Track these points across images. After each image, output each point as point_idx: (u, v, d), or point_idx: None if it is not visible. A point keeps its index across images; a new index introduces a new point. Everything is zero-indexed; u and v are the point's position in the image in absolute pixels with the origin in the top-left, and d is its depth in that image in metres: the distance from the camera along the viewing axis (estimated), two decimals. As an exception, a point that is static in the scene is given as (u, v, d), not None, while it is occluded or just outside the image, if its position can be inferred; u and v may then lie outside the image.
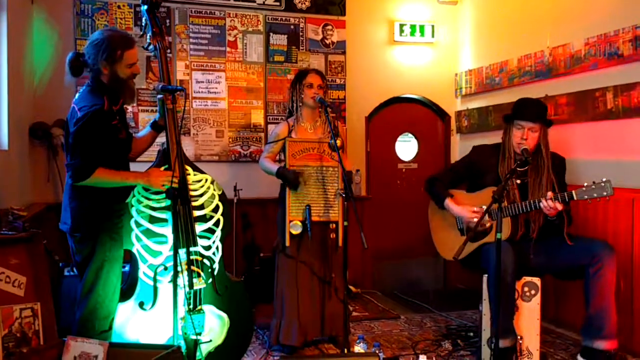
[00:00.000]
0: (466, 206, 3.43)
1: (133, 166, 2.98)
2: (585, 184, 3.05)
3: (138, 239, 2.82)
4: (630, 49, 3.54)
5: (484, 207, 3.31)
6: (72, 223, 2.70)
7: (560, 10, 4.21)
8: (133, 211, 2.82)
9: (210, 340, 2.90)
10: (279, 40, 5.01)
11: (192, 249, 2.84)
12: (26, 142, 4.17)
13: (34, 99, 4.32)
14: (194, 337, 2.75)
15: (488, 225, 3.37)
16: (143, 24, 3.00)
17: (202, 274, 2.88)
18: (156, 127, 3.04)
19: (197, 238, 2.90)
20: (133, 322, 2.82)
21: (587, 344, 3.11)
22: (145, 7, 2.95)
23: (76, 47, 4.44)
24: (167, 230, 2.83)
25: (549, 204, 3.10)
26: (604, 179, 3.00)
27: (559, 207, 3.10)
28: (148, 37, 2.97)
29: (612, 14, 3.72)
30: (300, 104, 3.67)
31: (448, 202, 3.49)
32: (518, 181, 3.35)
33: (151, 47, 2.98)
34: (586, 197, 3.04)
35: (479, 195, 3.45)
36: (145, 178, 2.80)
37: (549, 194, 3.15)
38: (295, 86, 3.70)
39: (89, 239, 2.70)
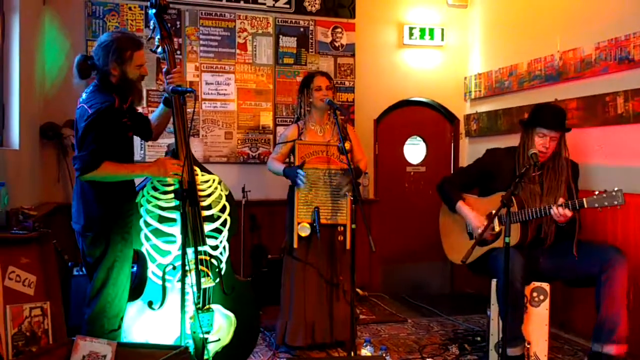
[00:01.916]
0: (478, 214, 3.41)
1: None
2: (597, 192, 3.03)
3: (147, 238, 2.84)
4: (641, 54, 3.52)
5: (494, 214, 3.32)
6: (85, 222, 2.71)
7: (570, 14, 4.19)
8: (142, 211, 2.84)
9: (219, 339, 2.91)
10: (289, 43, 5.03)
11: (200, 248, 2.85)
12: (37, 143, 4.20)
13: (45, 100, 4.35)
14: (202, 336, 2.76)
15: (497, 230, 3.35)
16: (151, 27, 3.02)
17: (209, 273, 2.89)
18: (167, 103, 3.03)
19: (206, 238, 2.91)
20: (142, 322, 2.84)
21: (597, 348, 3.09)
22: (154, 11, 2.97)
23: (87, 48, 4.47)
24: (176, 230, 2.85)
25: (559, 211, 3.08)
26: (615, 188, 2.98)
27: (569, 214, 3.09)
28: (157, 40, 2.99)
29: (623, 18, 3.70)
30: (309, 108, 3.69)
31: (460, 204, 3.48)
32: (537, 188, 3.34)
33: (160, 49, 2.99)
34: (597, 205, 3.03)
35: (491, 200, 3.44)
36: (155, 167, 2.81)
37: (560, 200, 3.14)
38: (303, 91, 3.71)
39: (101, 238, 2.72)
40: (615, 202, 2.98)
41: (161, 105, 3.09)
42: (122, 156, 2.79)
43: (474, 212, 3.44)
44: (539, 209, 3.19)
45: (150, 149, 4.56)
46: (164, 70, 3.00)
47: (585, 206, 3.05)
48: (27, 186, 3.74)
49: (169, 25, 3.04)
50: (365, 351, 3.33)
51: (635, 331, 3.39)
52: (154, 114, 3.16)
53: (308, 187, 3.57)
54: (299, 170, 3.50)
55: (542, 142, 3.31)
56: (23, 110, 3.62)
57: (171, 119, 3.05)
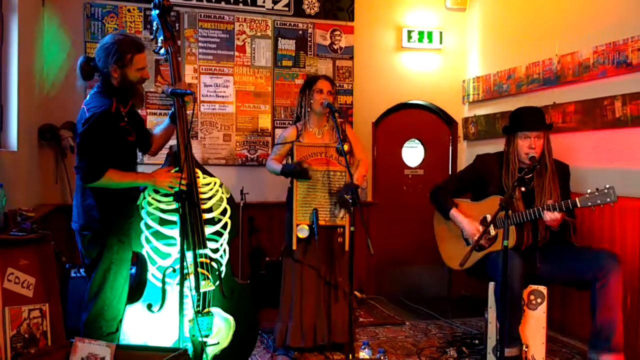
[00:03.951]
0: (472, 221, 3.42)
1: (140, 168, 3.00)
2: (589, 191, 3.04)
3: (147, 240, 2.83)
4: (639, 58, 3.53)
5: (489, 218, 3.32)
6: (83, 222, 2.72)
7: (569, 18, 4.21)
8: (143, 213, 2.84)
9: (217, 343, 2.91)
10: (287, 45, 5.03)
11: (200, 251, 2.85)
12: (35, 144, 4.19)
13: (43, 101, 4.34)
14: (201, 339, 2.75)
15: (493, 233, 3.36)
16: (154, 29, 3.02)
17: (210, 276, 2.89)
18: (175, 119, 3.04)
19: (206, 240, 2.91)
20: (141, 324, 2.83)
21: (593, 357, 3.08)
22: (157, 11, 2.97)
23: (86, 50, 4.47)
24: (177, 233, 2.83)
25: (551, 215, 3.09)
26: (607, 186, 2.99)
27: (558, 216, 3.09)
28: (159, 41, 2.99)
29: (621, 22, 3.72)
30: (309, 109, 3.69)
31: (453, 212, 3.49)
32: (523, 189, 3.35)
33: (162, 51, 3.00)
34: (590, 204, 3.03)
35: (484, 204, 3.45)
36: (152, 179, 2.82)
37: (549, 201, 3.14)
38: (305, 92, 3.72)
39: (97, 240, 2.72)
40: (608, 200, 2.98)
41: (167, 120, 3.09)
42: (124, 162, 2.79)
43: (467, 219, 3.45)
44: (531, 210, 3.20)
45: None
46: (166, 88, 3.00)
47: (579, 205, 3.06)
48: (25, 188, 3.73)
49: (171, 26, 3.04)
50: (363, 354, 3.33)
51: (632, 338, 3.40)
52: (158, 127, 3.17)
53: (306, 189, 3.57)
54: (300, 163, 3.51)
55: (527, 143, 3.33)
56: (21, 112, 3.61)
57: (172, 132, 3.07)
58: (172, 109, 3.03)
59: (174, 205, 2.82)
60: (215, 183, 3.06)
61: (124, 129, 2.76)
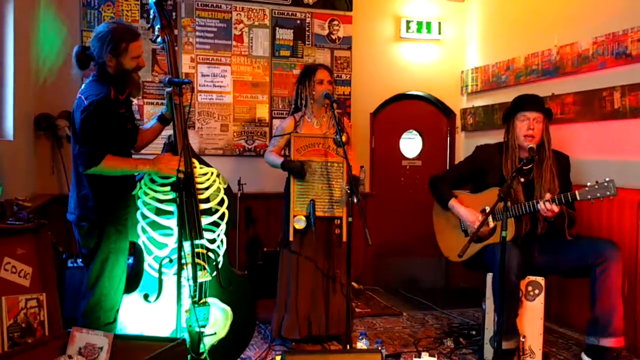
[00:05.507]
0: (471, 210, 3.41)
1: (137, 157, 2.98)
2: (589, 184, 3.04)
3: (144, 231, 2.82)
4: (638, 49, 3.52)
5: (488, 210, 3.31)
6: (79, 212, 2.70)
7: (568, 8, 4.19)
8: (139, 203, 2.82)
9: (214, 333, 2.90)
10: (285, 35, 5.00)
11: (197, 241, 2.84)
12: (31, 134, 4.17)
13: (39, 90, 4.31)
14: (198, 329, 2.75)
15: (492, 225, 3.36)
16: (151, 17, 3.00)
17: (206, 266, 2.88)
18: (163, 120, 3.04)
19: (203, 231, 2.90)
20: (137, 314, 2.82)
21: (593, 341, 3.10)
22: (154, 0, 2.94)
23: (82, 38, 4.44)
24: (173, 223, 2.82)
25: (546, 206, 3.09)
26: (607, 179, 2.99)
27: (555, 209, 3.09)
28: (156, 29, 2.96)
29: (621, 13, 3.71)
30: (312, 100, 3.67)
31: (453, 203, 3.48)
32: (522, 179, 3.34)
33: (159, 39, 2.97)
34: (589, 197, 3.03)
35: (483, 196, 3.44)
36: (158, 165, 2.79)
37: (547, 195, 3.14)
38: (304, 82, 3.68)
39: (95, 230, 2.71)
40: (608, 193, 2.98)
41: (155, 120, 3.07)
42: (122, 149, 2.77)
43: (467, 208, 3.44)
44: (528, 204, 3.20)
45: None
46: (163, 77, 2.97)
47: (578, 198, 3.06)
48: (21, 177, 3.71)
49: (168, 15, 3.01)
50: (361, 344, 3.33)
51: (629, 325, 3.41)
52: (146, 125, 3.15)
53: (304, 180, 3.56)
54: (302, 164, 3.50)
55: (525, 125, 3.31)
56: (17, 101, 3.59)
57: (159, 133, 3.07)
58: (163, 109, 3.02)
59: (171, 195, 2.81)
60: (212, 173, 3.04)
61: (123, 115, 2.75)
